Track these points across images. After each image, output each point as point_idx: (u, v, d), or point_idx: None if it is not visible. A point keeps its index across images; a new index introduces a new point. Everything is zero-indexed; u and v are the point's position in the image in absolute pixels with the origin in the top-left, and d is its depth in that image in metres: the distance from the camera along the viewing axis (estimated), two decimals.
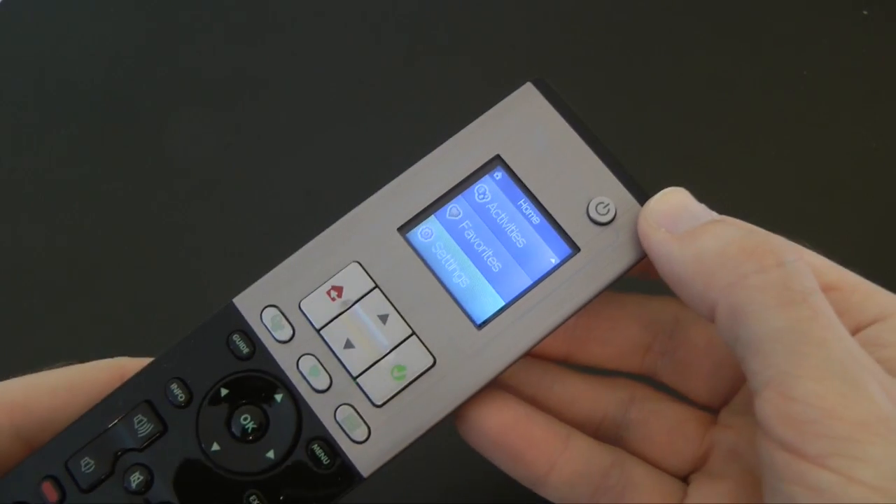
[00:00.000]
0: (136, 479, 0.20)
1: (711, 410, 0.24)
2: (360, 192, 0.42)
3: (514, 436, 0.21)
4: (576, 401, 0.23)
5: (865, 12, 0.44)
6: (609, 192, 0.21)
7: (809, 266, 0.20)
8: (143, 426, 0.20)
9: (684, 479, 0.23)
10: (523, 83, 0.23)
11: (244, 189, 0.42)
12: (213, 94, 0.46)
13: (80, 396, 0.21)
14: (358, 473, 0.20)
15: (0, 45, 0.49)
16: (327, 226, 0.41)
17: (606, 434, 0.24)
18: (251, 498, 0.20)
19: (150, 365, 0.21)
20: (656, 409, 0.24)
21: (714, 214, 0.21)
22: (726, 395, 0.24)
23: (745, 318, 0.19)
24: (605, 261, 0.21)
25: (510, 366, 0.21)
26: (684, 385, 0.24)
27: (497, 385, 0.22)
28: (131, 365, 0.22)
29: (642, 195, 0.21)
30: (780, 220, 0.22)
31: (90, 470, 0.20)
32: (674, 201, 0.21)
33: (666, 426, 0.23)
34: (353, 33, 0.48)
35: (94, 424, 0.20)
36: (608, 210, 0.21)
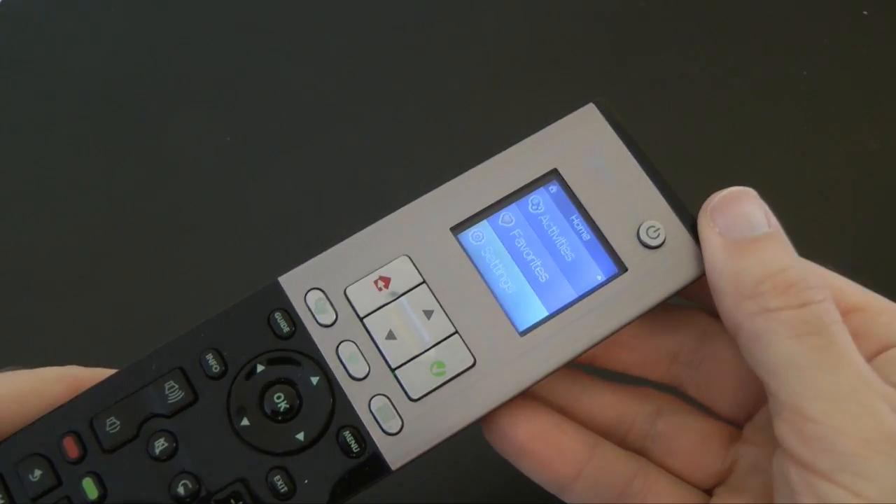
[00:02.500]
0: (160, 445, 0.20)
1: (735, 424, 0.24)
2: (359, 191, 0.42)
3: (542, 444, 0.22)
4: (603, 410, 0.24)
5: (865, 12, 0.44)
6: (660, 216, 0.22)
7: (839, 289, 0.21)
8: (174, 393, 0.20)
9: (708, 492, 0.24)
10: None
11: (244, 189, 0.42)
12: (213, 94, 0.46)
13: (29, 407, 0.21)
14: (387, 465, 0.20)
15: (0, 45, 0.49)
16: (327, 225, 0.41)
17: (632, 444, 0.24)
18: (275, 477, 0.20)
19: (186, 333, 0.21)
20: (683, 422, 0.24)
21: (769, 224, 0.21)
22: (750, 410, 0.24)
23: (765, 345, 0.20)
24: (650, 284, 0.21)
25: (548, 376, 0.21)
26: (709, 398, 0.24)
27: (528, 393, 0.22)
28: (83, 374, 0.21)
29: (691, 222, 0.22)
30: (780, 220, 0.22)
31: (115, 430, 0.20)
32: (736, 204, 0.21)
33: (691, 440, 0.24)
34: (353, 33, 0.48)
35: (124, 386, 0.20)
36: (658, 234, 0.21)
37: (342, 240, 0.22)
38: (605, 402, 0.24)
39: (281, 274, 0.22)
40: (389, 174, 0.42)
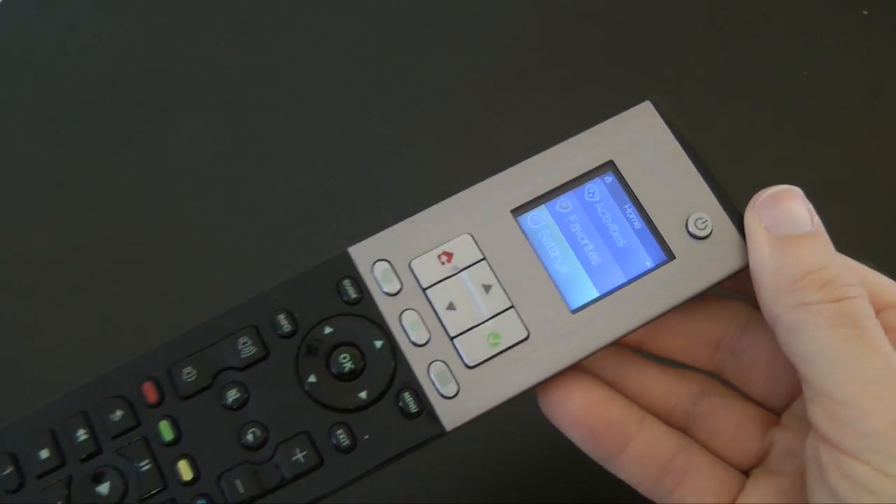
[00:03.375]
0: (232, 395, 0.21)
1: (774, 411, 0.26)
2: (359, 191, 0.42)
3: (594, 416, 0.23)
4: (651, 389, 0.25)
5: (865, 12, 0.44)
6: (708, 209, 0.23)
7: (875, 286, 0.23)
8: (247, 348, 0.22)
9: (745, 473, 0.25)
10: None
11: (244, 189, 0.42)
12: (213, 94, 0.46)
13: None
14: (442, 426, 0.21)
15: (0, 45, 0.49)
16: (328, 225, 0.41)
17: (675, 423, 0.25)
18: (338, 431, 0.21)
19: (259, 294, 0.22)
20: (725, 404, 0.25)
21: (812, 223, 0.23)
22: (788, 398, 0.25)
23: (800, 335, 0.21)
24: (696, 272, 0.23)
25: (597, 352, 0.22)
26: (749, 385, 0.26)
27: (581, 368, 0.23)
28: None
29: (738, 217, 0.23)
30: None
31: (191, 379, 0.21)
32: (782, 201, 0.23)
33: (732, 422, 0.25)
34: (353, 33, 0.48)
35: (201, 339, 0.22)
36: (706, 226, 0.23)
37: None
38: (652, 382, 0.25)
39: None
40: (389, 174, 0.42)
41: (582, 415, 0.23)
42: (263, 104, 0.45)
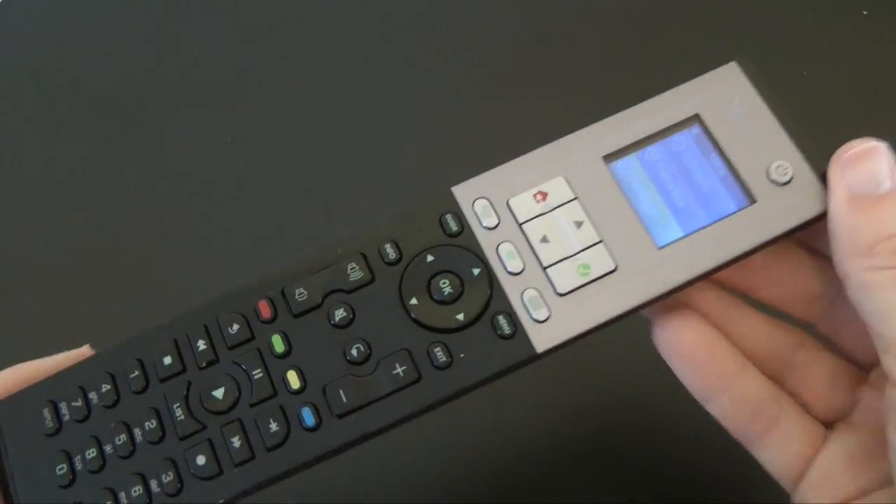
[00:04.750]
0: (340, 314, 0.23)
1: (863, 368, 0.27)
2: (359, 191, 0.42)
3: (701, 353, 0.25)
4: (754, 333, 0.26)
5: (865, 12, 0.44)
6: (790, 159, 0.24)
7: None
8: (355, 273, 0.24)
9: (829, 427, 0.26)
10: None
11: (244, 189, 0.42)
12: (213, 94, 0.46)
13: None
14: (533, 348, 0.23)
15: (0, 45, 0.49)
16: (327, 225, 0.41)
17: (771, 370, 0.27)
18: (436, 350, 0.23)
19: (367, 227, 0.24)
20: (819, 357, 0.27)
21: (892, 180, 0.23)
22: (877, 357, 0.26)
23: (871, 294, 0.22)
24: (776, 216, 0.24)
25: (679, 287, 0.24)
26: (841, 340, 0.27)
27: (693, 309, 0.25)
28: (34, 366, 0.25)
29: (820, 168, 0.24)
30: None
31: (303, 299, 0.23)
32: (866, 159, 0.23)
33: (824, 375, 0.26)
34: (353, 34, 0.48)
35: (313, 264, 0.24)
36: (786, 173, 0.24)
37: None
38: (756, 327, 0.27)
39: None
40: (388, 174, 0.42)
41: (691, 350, 0.25)
42: (263, 104, 0.45)
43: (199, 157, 0.43)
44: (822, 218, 0.24)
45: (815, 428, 0.26)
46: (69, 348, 0.29)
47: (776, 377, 0.26)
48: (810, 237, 0.26)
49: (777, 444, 0.25)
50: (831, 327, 0.27)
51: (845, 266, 0.23)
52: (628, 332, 0.25)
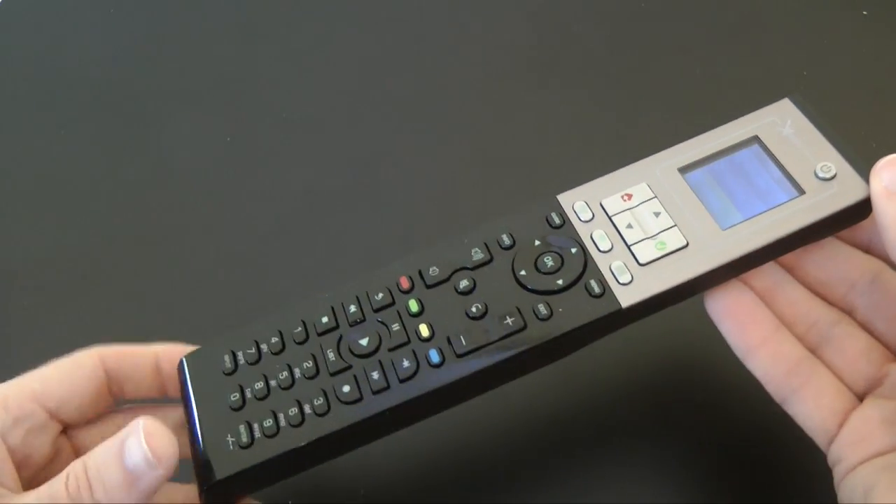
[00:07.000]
0: (464, 283, 0.29)
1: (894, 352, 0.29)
2: (359, 191, 0.42)
3: (743, 312, 0.29)
4: (799, 303, 0.30)
5: (865, 12, 0.44)
6: (834, 161, 0.29)
7: None
8: (477, 255, 0.30)
9: (859, 398, 0.29)
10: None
11: (244, 189, 0.42)
12: (213, 94, 0.46)
13: (80, 381, 0.29)
14: (618, 303, 0.28)
15: (0, 45, 0.49)
16: (327, 225, 0.41)
17: (809, 340, 0.30)
18: (539, 305, 0.28)
19: (488, 223, 0.31)
20: (855, 333, 0.29)
21: None
22: None
23: None
24: (822, 202, 0.29)
25: (738, 261, 0.28)
26: (874, 325, 0.29)
27: (742, 280, 0.30)
28: (107, 351, 0.29)
29: (863, 171, 0.29)
30: None
31: (435, 274, 0.30)
32: None
33: (858, 348, 0.29)
34: (352, 34, 0.48)
35: (443, 251, 0.30)
36: (830, 171, 0.29)
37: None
38: (801, 298, 0.30)
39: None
40: (388, 174, 0.42)
41: (735, 310, 0.29)
42: (263, 104, 0.45)
43: (198, 156, 0.43)
44: (862, 207, 0.28)
45: (846, 393, 0.28)
46: (67, 349, 0.29)
47: (813, 349, 0.29)
48: (850, 234, 0.30)
49: (812, 399, 0.28)
50: (864, 313, 0.30)
51: (893, 252, 0.26)
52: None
